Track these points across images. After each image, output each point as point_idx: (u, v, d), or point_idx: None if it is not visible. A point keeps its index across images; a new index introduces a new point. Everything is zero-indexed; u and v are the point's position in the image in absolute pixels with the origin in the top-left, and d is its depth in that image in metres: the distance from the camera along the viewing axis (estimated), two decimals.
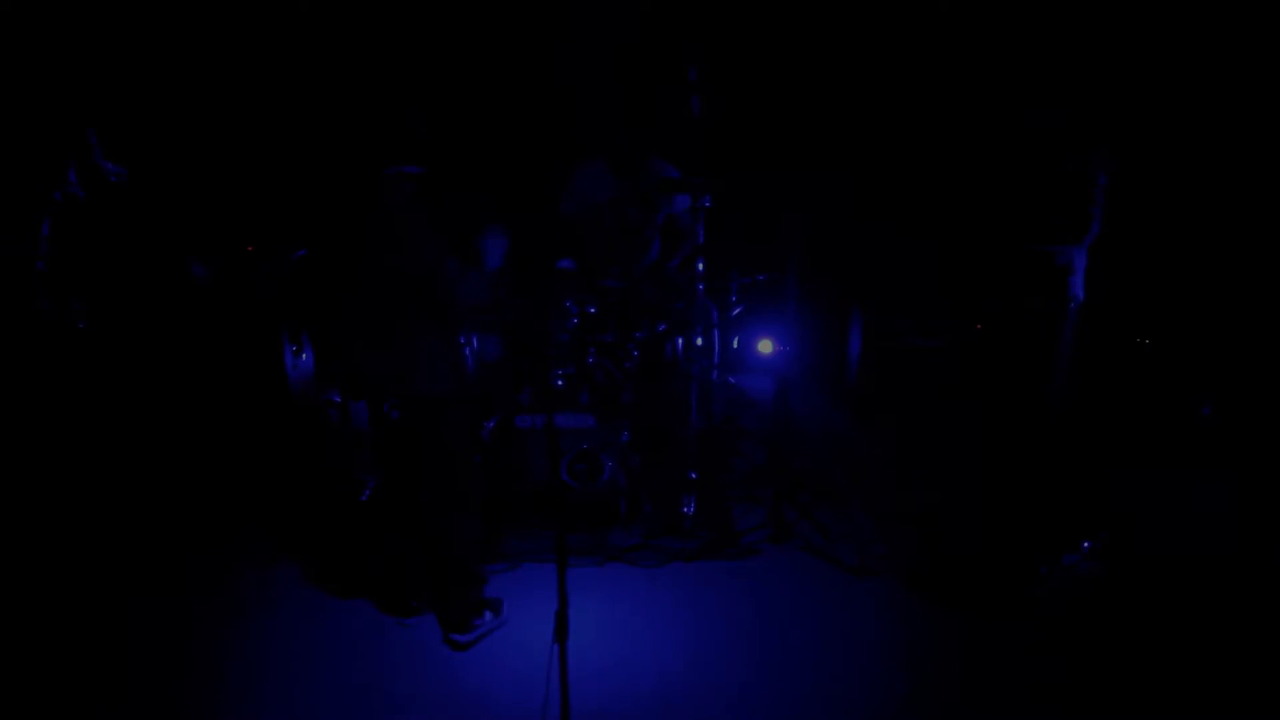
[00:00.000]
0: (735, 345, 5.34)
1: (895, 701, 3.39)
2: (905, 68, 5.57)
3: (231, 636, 3.76)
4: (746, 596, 4.04)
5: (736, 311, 5.09)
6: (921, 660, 3.61)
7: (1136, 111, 4.88)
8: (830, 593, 4.06)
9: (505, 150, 5.41)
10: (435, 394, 3.48)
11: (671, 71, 4.95)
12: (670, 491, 4.63)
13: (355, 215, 3.51)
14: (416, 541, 3.69)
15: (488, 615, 3.71)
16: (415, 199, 3.44)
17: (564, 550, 2.84)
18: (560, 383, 4.63)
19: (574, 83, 5.59)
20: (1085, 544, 4.22)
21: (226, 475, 4.79)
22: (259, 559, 4.28)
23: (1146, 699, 3.38)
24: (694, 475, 4.56)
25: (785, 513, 4.52)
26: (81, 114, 4.55)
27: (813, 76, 5.69)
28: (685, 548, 4.36)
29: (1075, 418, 4.58)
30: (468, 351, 4.19)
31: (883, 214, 5.62)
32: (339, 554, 4.24)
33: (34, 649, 3.65)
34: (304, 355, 4.84)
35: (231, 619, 3.87)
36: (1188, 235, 5.11)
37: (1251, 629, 3.70)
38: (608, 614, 3.88)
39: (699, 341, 4.60)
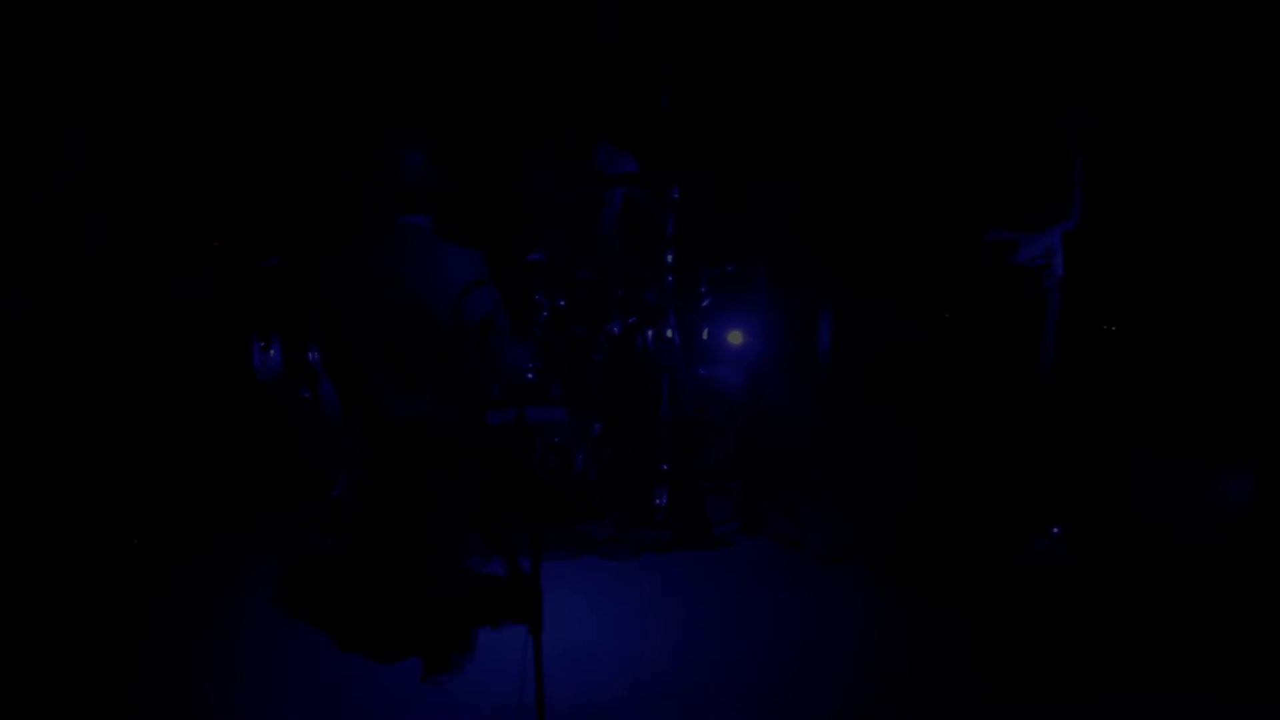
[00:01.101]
0: (705, 336, 5.33)
1: (864, 690, 3.42)
2: (878, 57, 5.57)
3: (208, 637, 3.72)
4: (718, 587, 4.06)
5: (706, 303, 5.09)
6: (891, 649, 3.64)
7: (1113, 89, 4.91)
8: (801, 582, 4.09)
9: (467, 138, 5.37)
10: (455, 436, 3.44)
11: (641, 65, 4.96)
12: (642, 483, 4.64)
13: (362, 260, 3.43)
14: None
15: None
16: (427, 247, 3.39)
17: (538, 543, 2.84)
18: (531, 376, 4.62)
19: (533, 70, 5.55)
20: (1055, 529, 4.27)
21: (197, 475, 4.73)
22: (237, 555, 4.25)
23: (1114, 688, 3.41)
24: (665, 467, 4.58)
25: (756, 503, 4.55)
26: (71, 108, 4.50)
27: (782, 68, 5.69)
28: (657, 539, 4.38)
29: (1047, 403, 4.62)
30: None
31: (854, 203, 5.62)
32: (314, 555, 4.20)
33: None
34: (272, 352, 4.80)
35: (217, 619, 3.84)
36: (1166, 221, 5.15)
37: (1222, 617, 3.76)
38: (581, 606, 3.88)
39: (669, 333, 4.61)
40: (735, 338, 5.43)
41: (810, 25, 5.58)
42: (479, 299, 3.33)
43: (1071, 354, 4.67)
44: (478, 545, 4.04)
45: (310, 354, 4.55)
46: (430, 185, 3.42)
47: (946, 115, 4.94)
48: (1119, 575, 4.03)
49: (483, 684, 3.43)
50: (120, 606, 3.88)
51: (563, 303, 4.67)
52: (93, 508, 4.33)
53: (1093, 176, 4.32)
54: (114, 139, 4.68)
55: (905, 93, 5.41)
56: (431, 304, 3.31)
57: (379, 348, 3.37)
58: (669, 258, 4.44)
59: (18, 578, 3.95)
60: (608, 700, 3.36)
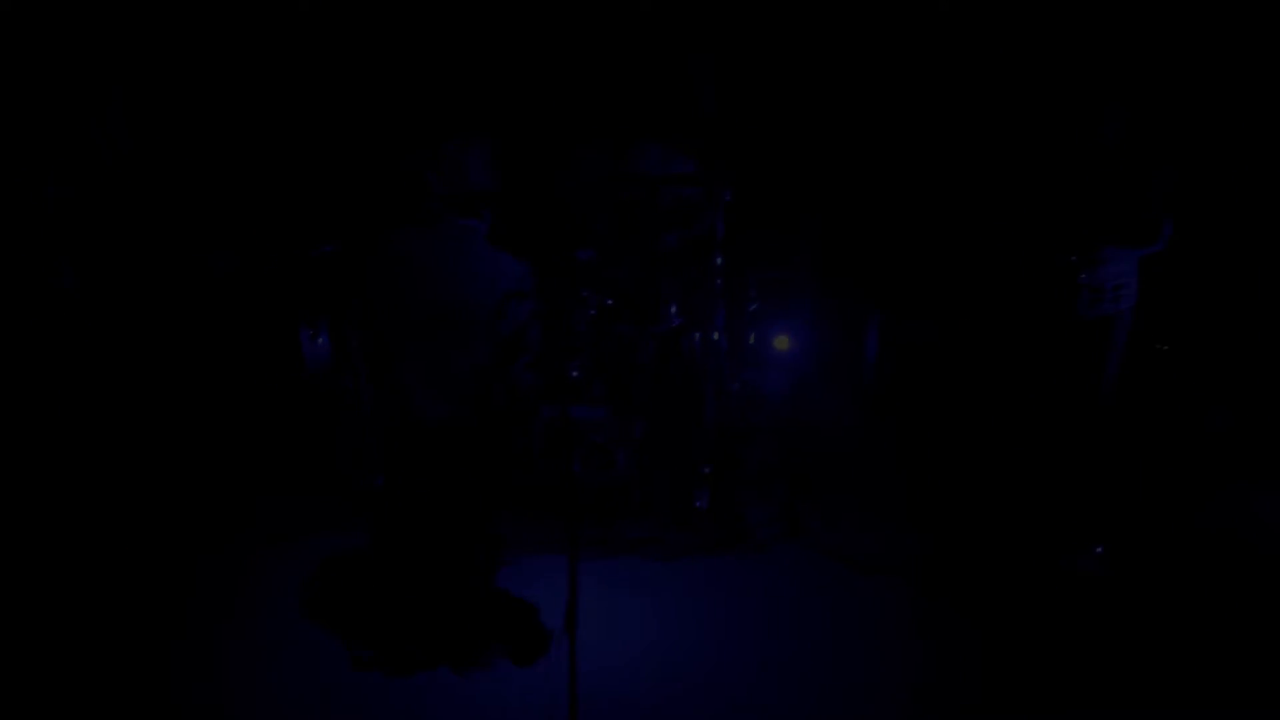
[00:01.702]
0: (751, 341, 5.30)
1: (903, 701, 3.38)
2: (943, 62, 5.47)
3: (230, 631, 3.76)
4: (757, 592, 4.04)
5: (753, 307, 5.07)
6: (930, 659, 3.61)
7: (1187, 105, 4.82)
8: (841, 590, 4.06)
9: (521, 136, 5.38)
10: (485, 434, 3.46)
11: (687, 66, 4.94)
12: (683, 485, 4.62)
13: (409, 255, 3.44)
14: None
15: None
16: (476, 250, 3.40)
17: (575, 541, 2.83)
18: (575, 374, 4.62)
19: (580, 69, 5.55)
20: (1098, 548, 4.21)
21: (237, 464, 4.77)
22: (268, 550, 4.28)
23: (1152, 700, 3.38)
24: (707, 470, 4.55)
25: (798, 509, 4.51)
26: (102, 82, 4.56)
27: (833, 71, 5.64)
28: (697, 542, 4.36)
29: (1105, 421, 4.55)
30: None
31: (909, 209, 5.55)
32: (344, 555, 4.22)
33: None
34: (320, 340, 4.84)
35: (234, 612, 3.88)
36: (1222, 235, 5.06)
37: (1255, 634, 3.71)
38: (617, 606, 3.87)
39: (715, 336, 4.60)
40: (781, 343, 5.39)
41: (860, 26, 5.53)
42: (517, 309, 3.34)
43: (1127, 372, 4.60)
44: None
45: (353, 343, 4.58)
46: (488, 186, 3.43)
47: (1031, 121, 4.86)
48: (1167, 589, 3.98)
49: (515, 681, 3.43)
50: (143, 603, 3.89)
51: (610, 302, 4.66)
52: (107, 498, 4.35)
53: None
54: (159, 124, 4.74)
55: (983, 95, 5.32)
56: (473, 307, 3.33)
57: (417, 343, 3.39)
58: (718, 260, 4.43)
59: (23, 576, 3.97)
60: (641, 700, 3.36)
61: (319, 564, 4.09)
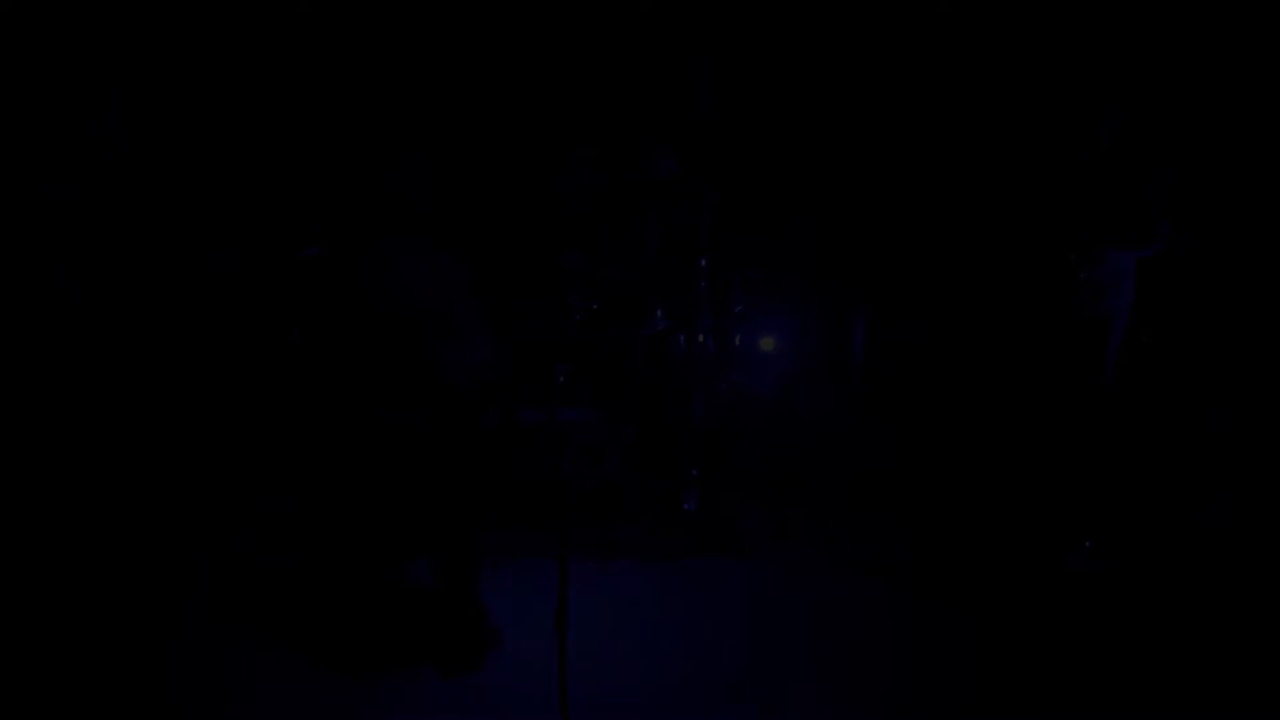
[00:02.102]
0: (738, 342, 5.32)
1: (892, 701, 3.40)
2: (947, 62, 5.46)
3: (228, 631, 3.78)
4: (746, 593, 4.07)
5: (739, 309, 5.08)
6: (919, 658, 3.63)
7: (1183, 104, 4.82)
8: (829, 590, 4.08)
9: (502, 137, 5.39)
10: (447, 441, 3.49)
11: (681, 66, 4.94)
12: (672, 488, 4.64)
13: (368, 263, 3.47)
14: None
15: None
16: (426, 254, 3.43)
17: (566, 544, 2.86)
18: (563, 378, 4.64)
19: (574, 70, 5.56)
20: (1088, 542, 4.22)
21: (236, 464, 4.80)
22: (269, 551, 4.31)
23: (1145, 699, 3.40)
24: (695, 472, 4.58)
25: (786, 510, 4.53)
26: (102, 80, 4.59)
27: (830, 70, 5.63)
28: (686, 544, 4.39)
29: (1102, 417, 4.56)
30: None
31: (899, 211, 5.55)
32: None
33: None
34: (304, 344, 4.86)
35: (233, 612, 3.91)
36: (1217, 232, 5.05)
37: (1243, 630, 3.73)
38: (607, 608, 3.90)
39: (702, 338, 4.61)
40: (768, 344, 5.40)
41: (859, 25, 5.51)
42: (462, 310, 3.38)
43: (1127, 371, 4.61)
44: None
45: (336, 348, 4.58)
46: (432, 192, 3.46)
47: (1030, 121, 4.85)
48: (1164, 588, 4.00)
49: (506, 683, 3.46)
50: (143, 602, 3.91)
51: (597, 305, 4.68)
52: (107, 498, 4.37)
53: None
54: (159, 124, 4.76)
55: (983, 95, 5.31)
56: (421, 309, 3.37)
57: (394, 347, 3.42)
58: (704, 262, 4.44)
59: (22, 576, 3.98)
60: (631, 701, 3.38)
61: (311, 568, 4.13)
